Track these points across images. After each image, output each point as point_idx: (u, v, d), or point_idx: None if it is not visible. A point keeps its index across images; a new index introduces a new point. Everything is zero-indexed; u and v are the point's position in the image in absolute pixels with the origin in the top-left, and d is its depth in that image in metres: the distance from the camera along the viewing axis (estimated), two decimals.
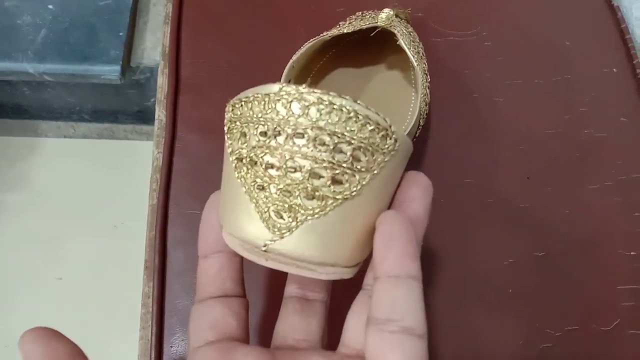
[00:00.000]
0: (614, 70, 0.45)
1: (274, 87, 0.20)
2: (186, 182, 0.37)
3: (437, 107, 0.41)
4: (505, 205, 0.39)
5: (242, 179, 0.21)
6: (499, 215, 0.38)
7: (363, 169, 0.20)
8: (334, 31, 0.36)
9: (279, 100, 0.20)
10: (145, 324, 0.34)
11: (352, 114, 0.19)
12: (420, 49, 0.38)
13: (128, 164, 0.90)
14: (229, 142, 0.22)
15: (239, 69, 0.42)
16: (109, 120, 0.87)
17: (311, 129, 0.19)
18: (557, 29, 0.46)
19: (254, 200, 0.20)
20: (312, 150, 0.19)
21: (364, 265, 0.23)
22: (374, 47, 0.40)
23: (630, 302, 0.36)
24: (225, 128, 0.22)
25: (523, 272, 0.37)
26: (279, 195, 0.20)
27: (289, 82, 0.35)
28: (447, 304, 0.35)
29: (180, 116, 0.39)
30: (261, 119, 0.20)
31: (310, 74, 0.38)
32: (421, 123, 0.35)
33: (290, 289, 0.26)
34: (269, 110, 0.20)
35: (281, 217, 0.20)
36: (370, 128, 0.20)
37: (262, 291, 0.35)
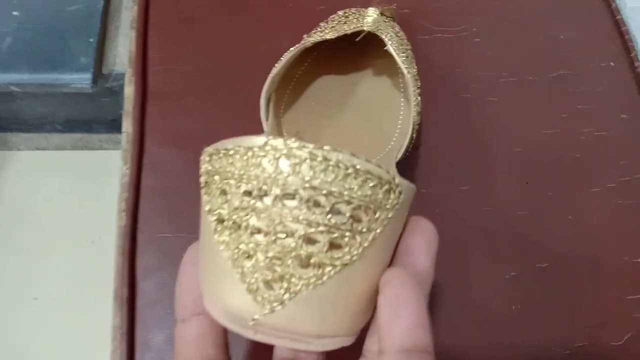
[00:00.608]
0: (611, 64, 0.42)
1: (258, 140, 0.17)
2: (157, 202, 0.34)
3: (427, 109, 0.39)
4: (504, 213, 0.36)
5: (224, 244, 0.18)
6: (498, 224, 0.36)
7: (364, 230, 0.18)
8: (316, 36, 0.33)
9: (264, 155, 0.17)
10: None
11: (350, 170, 0.17)
12: (409, 52, 0.36)
13: (104, 174, 0.86)
14: (207, 197, 0.19)
15: (213, 75, 0.38)
16: (83, 130, 0.84)
17: (303, 189, 0.17)
18: (550, 21, 0.44)
19: (239, 269, 0.18)
20: (305, 213, 0.17)
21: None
22: (358, 47, 0.37)
23: None
24: (202, 180, 0.19)
25: (526, 286, 0.34)
26: (267, 263, 0.17)
27: (269, 98, 0.32)
28: (445, 325, 0.33)
29: (149, 128, 0.36)
30: (244, 176, 0.17)
31: (291, 82, 0.35)
32: (414, 137, 0.33)
33: (281, 350, 0.22)
34: (253, 167, 0.17)
35: (271, 288, 0.17)
36: (371, 184, 0.17)
37: (248, 353, 0.31)
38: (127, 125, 0.36)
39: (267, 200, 0.17)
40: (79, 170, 0.88)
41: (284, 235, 0.17)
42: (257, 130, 0.33)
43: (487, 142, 0.38)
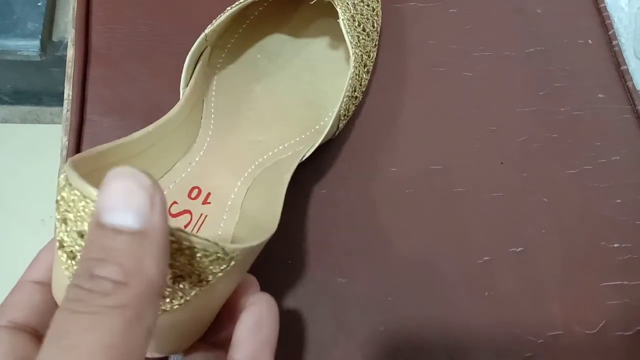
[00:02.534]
0: (589, 41, 0.41)
1: (93, 194, 0.17)
2: None
3: (399, 83, 0.36)
4: (477, 194, 0.34)
5: (65, 268, 0.18)
6: (470, 206, 0.34)
7: (187, 287, 0.18)
8: None
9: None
10: None
11: (178, 246, 0.17)
12: (371, 21, 0.32)
13: (56, 150, 0.82)
14: (57, 208, 0.19)
15: (163, 37, 0.35)
16: (33, 103, 0.80)
17: None
18: None
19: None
20: None
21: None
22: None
23: (615, 301, 0.32)
24: (58, 184, 0.19)
25: (499, 272, 0.32)
26: None
27: (199, 57, 0.29)
28: (414, 311, 0.31)
29: (91, 95, 0.32)
30: (79, 218, 0.17)
31: (243, 25, 0.32)
32: (340, 126, 0.30)
33: None
34: (87, 215, 0.17)
35: None
36: (198, 255, 0.18)
37: None
38: (69, 91, 0.32)
39: None
40: (28, 145, 0.84)
41: None
42: None
43: (460, 119, 0.36)
